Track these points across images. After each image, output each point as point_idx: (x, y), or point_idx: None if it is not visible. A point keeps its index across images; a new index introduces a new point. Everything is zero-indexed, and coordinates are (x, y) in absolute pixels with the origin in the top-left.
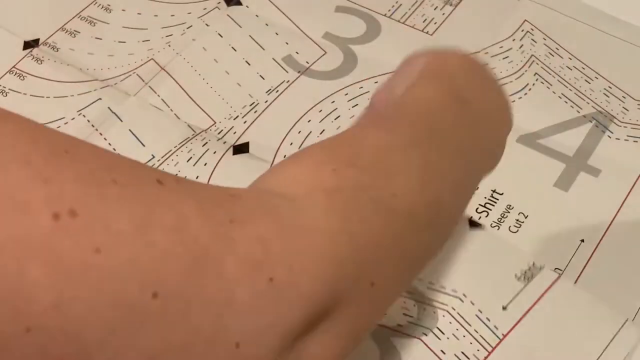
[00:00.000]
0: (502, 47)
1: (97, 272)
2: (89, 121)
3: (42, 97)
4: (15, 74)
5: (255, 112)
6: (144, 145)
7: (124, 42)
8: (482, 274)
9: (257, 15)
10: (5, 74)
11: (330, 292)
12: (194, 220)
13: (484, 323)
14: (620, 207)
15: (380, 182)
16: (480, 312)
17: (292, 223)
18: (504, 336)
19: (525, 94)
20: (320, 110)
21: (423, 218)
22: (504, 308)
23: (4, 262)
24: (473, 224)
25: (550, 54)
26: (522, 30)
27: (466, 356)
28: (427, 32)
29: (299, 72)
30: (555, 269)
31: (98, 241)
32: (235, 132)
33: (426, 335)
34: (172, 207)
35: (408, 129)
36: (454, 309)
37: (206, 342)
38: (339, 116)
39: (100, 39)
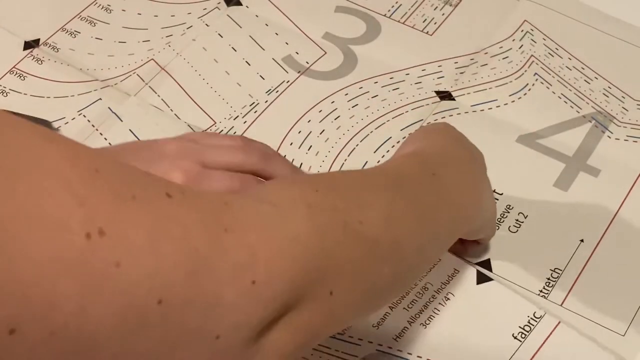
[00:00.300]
0: (502, 47)
1: (115, 283)
2: (89, 121)
3: (42, 97)
4: (16, 74)
5: (256, 112)
6: None
7: (124, 42)
8: (477, 343)
9: (257, 15)
10: (6, 74)
11: (296, 292)
12: (195, 231)
13: None
14: (620, 207)
15: (352, 209)
16: None
17: (275, 230)
18: None
19: (525, 94)
20: (320, 110)
21: (384, 251)
22: None
23: (41, 277)
24: (482, 278)
25: (550, 54)
26: (522, 31)
27: None
28: (427, 32)
29: (299, 72)
30: (555, 268)
31: (119, 255)
32: (235, 132)
33: None
34: (178, 221)
35: (381, 179)
36: None
37: (193, 335)
38: (339, 116)
39: (100, 39)
